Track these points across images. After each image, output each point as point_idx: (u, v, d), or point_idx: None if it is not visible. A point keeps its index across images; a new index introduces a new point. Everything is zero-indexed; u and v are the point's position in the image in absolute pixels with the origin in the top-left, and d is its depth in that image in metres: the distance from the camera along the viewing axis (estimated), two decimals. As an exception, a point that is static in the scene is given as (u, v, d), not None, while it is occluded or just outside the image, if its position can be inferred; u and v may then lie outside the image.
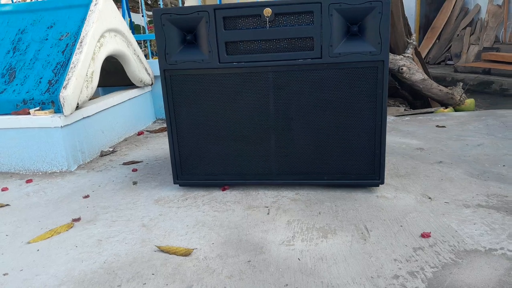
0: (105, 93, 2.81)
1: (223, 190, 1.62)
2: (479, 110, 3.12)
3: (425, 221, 1.30)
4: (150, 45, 3.62)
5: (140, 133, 2.64)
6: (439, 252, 1.13)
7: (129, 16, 3.63)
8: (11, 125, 1.94)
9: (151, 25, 5.25)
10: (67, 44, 2.10)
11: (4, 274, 1.14)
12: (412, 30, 5.48)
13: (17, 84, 2.02)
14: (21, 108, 1.96)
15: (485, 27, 6.68)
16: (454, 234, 1.22)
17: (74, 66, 1.96)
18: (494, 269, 1.04)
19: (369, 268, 1.08)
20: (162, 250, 1.21)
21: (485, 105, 4.48)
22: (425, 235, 1.21)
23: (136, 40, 2.66)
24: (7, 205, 1.62)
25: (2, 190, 1.78)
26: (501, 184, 1.55)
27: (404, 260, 1.10)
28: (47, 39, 2.15)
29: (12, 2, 3.26)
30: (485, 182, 1.58)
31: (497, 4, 6.67)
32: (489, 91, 5.44)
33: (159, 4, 3.35)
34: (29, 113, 1.93)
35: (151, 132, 2.67)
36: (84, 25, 2.10)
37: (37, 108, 1.95)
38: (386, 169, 1.74)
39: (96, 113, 2.20)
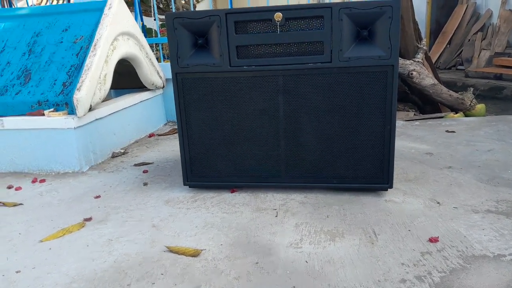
0: (118, 95, 2.85)
1: (232, 192, 1.64)
2: (489, 115, 3.10)
3: (433, 225, 1.30)
4: (162, 48, 3.66)
5: (151, 135, 2.67)
6: (447, 257, 1.13)
7: (142, 20, 3.68)
8: (25, 125, 1.98)
9: (163, 28, 5.30)
10: (81, 47, 2.14)
11: (17, 272, 1.17)
12: (423, 35, 5.46)
13: (32, 86, 2.06)
14: (36, 109, 2.00)
15: (497, 32, 6.62)
16: (463, 239, 1.21)
17: (88, 69, 1.99)
18: (502, 275, 1.04)
19: (376, 272, 1.08)
20: (171, 250, 1.23)
21: (496, 111, 4.44)
22: (433, 240, 1.21)
23: (148, 43, 2.69)
24: (21, 204, 1.65)
25: (16, 189, 1.81)
26: (511, 190, 1.54)
27: (411, 264, 1.11)
28: (62, 42, 2.19)
29: (28, 5, 3.33)
30: (494, 187, 1.57)
31: (509, 9, 6.61)
32: (500, 97, 5.38)
33: (171, 8, 3.39)
34: (43, 114, 1.97)
35: (162, 134, 2.70)
36: (98, 29, 2.14)
37: (51, 109, 1.98)
38: (394, 173, 1.74)
39: (108, 115, 2.23)
